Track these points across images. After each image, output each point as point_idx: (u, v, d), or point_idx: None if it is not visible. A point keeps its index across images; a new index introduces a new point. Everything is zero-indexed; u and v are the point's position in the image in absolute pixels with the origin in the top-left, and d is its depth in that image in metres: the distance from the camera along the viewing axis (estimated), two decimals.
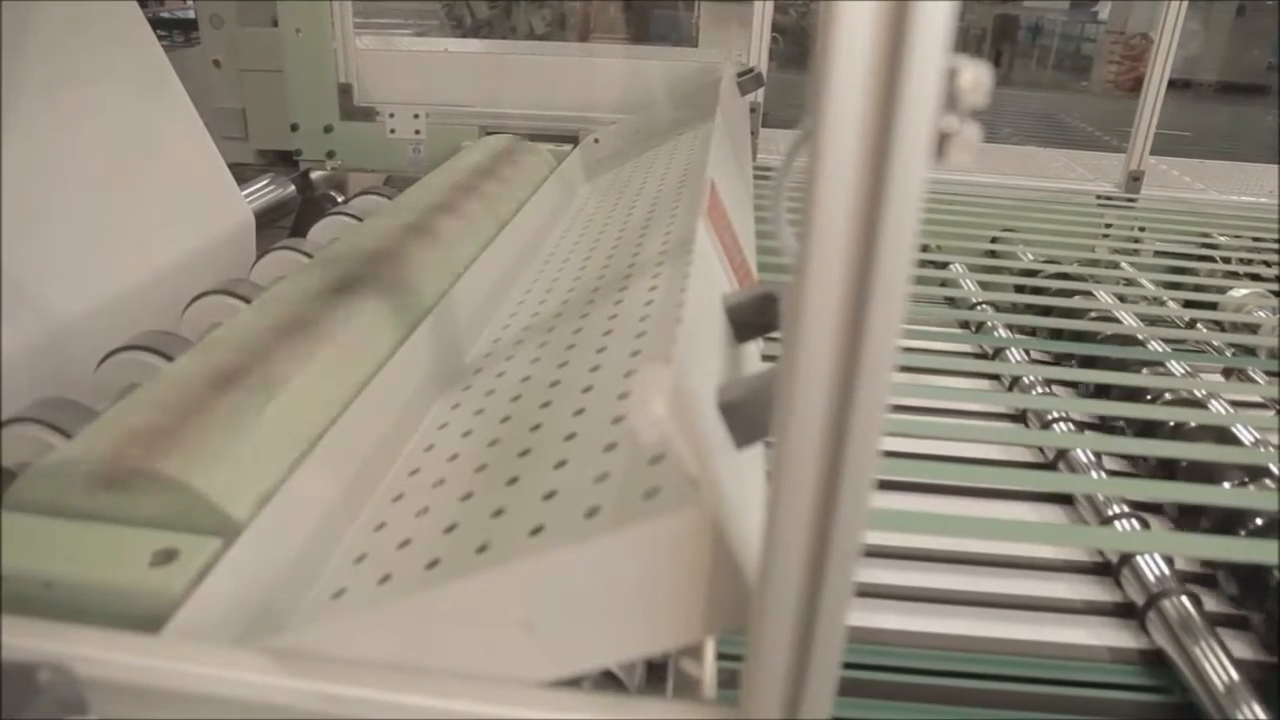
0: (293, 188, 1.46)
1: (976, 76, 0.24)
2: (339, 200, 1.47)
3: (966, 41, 6.30)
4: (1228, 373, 0.99)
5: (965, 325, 1.10)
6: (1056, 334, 1.04)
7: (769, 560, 0.27)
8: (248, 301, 0.74)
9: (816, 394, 0.25)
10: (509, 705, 0.32)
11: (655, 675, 0.47)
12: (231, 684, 0.33)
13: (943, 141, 0.24)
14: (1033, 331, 1.05)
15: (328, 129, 1.44)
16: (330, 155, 1.45)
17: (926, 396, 0.90)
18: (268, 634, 0.37)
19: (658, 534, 0.31)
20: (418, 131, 1.44)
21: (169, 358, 0.64)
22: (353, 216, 1.01)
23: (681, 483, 0.31)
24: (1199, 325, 1.05)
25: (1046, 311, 1.05)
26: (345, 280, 0.64)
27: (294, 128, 1.43)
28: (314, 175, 1.52)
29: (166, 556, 0.39)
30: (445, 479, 0.48)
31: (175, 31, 3.96)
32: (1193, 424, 0.82)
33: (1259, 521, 0.69)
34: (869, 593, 0.66)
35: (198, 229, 0.94)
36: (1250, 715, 0.54)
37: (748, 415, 0.34)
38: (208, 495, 0.42)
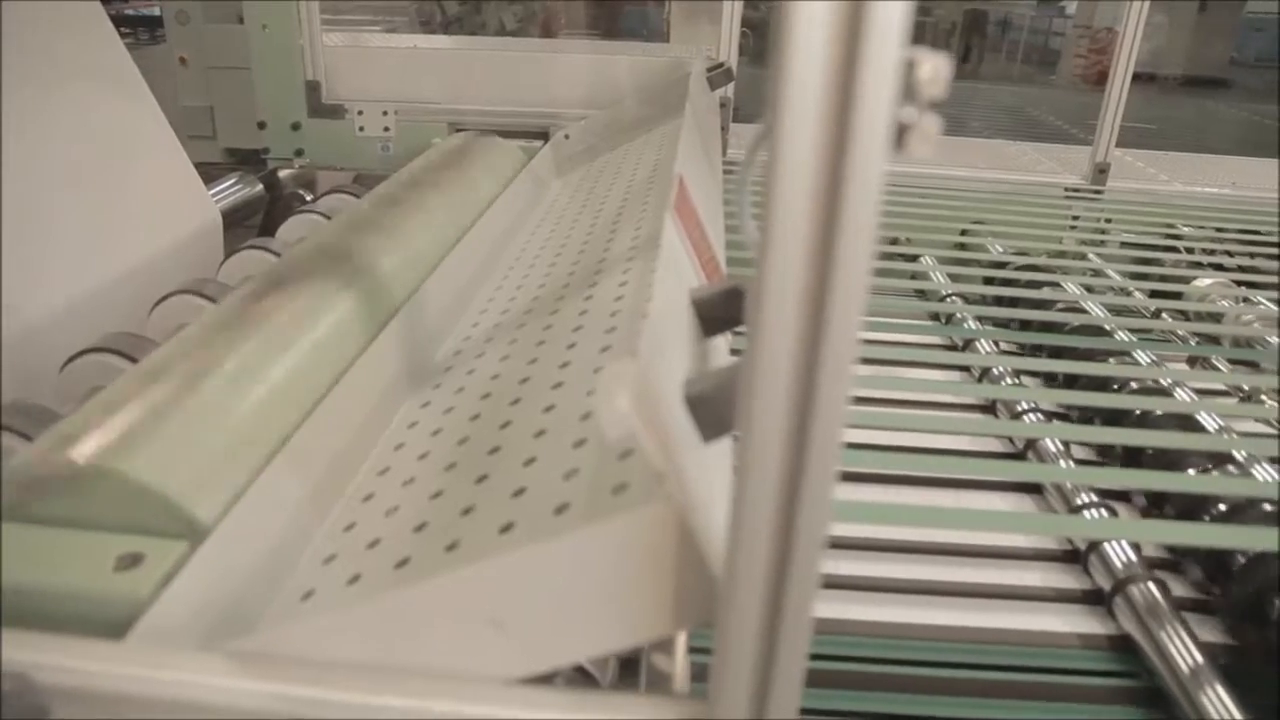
0: (260, 186, 1.44)
1: (935, 68, 0.25)
2: (308, 199, 1.46)
3: (936, 36, 6.35)
4: (1192, 361, 1.00)
5: (935, 317, 1.10)
6: (1025, 325, 1.05)
7: (734, 553, 0.27)
8: (215, 301, 0.73)
9: (779, 385, 0.25)
10: (481, 704, 0.32)
11: (628, 670, 0.47)
12: (198, 688, 0.33)
13: (902, 133, 0.24)
14: (1005, 324, 1.06)
15: (295, 127, 1.42)
16: (298, 153, 1.44)
17: (897, 388, 0.91)
18: (236, 637, 0.37)
19: (625, 529, 0.31)
20: (387, 129, 1.43)
21: (135, 360, 0.63)
22: (321, 215, 1.00)
23: (650, 478, 0.31)
24: (1164, 315, 1.07)
25: (1015, 303, 1.06)
26: (313, 279, 0.63)
27: (261, 125, 1.42)
28: (282, 173, 1.50)
29: (132, 560, 0.39)
30: (415, 478, 0.47)
31: (140, 29, 3.90)
32: (1158, 412, 0.83)
33: (1222, 507, 0.70)
34: (837, 584, 0.66)
35: (164, 229, 0.93)
36: (1215, 697, 0.55)
37: (714, 409, 0.34)
38: (172, 497, 0.42)
